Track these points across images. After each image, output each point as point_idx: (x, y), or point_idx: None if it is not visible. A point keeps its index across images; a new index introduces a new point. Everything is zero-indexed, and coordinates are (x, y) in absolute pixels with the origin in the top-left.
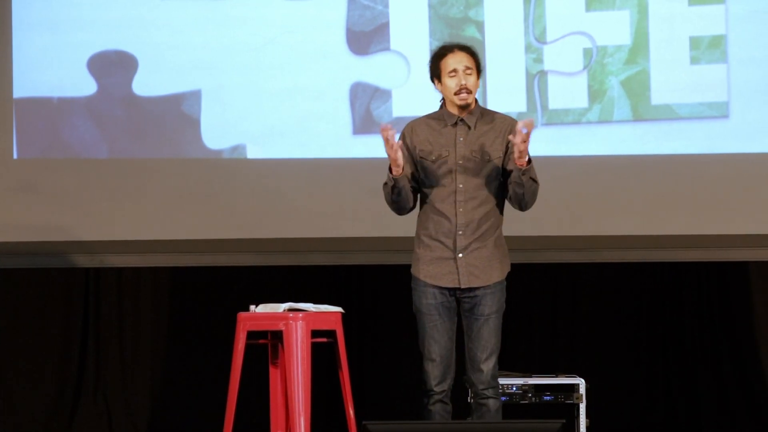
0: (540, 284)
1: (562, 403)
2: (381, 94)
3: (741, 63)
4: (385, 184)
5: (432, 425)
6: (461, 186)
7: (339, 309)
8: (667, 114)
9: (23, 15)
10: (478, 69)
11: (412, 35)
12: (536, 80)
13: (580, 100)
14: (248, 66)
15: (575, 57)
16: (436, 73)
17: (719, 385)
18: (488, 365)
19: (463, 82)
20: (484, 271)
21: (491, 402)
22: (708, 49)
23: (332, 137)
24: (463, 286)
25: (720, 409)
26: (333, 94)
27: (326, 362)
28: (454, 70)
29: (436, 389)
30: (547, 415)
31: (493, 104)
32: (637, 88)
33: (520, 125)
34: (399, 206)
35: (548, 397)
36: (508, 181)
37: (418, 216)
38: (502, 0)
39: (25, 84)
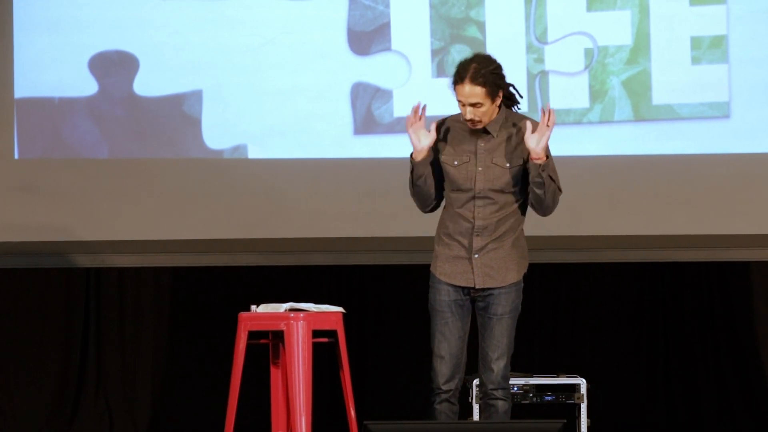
0: (540, 284)
1: (563, 403)
2: (382, 95)
3: (742, 63)
4: (411, 172)
5: (432, 425)
6: (480, 192)
7: (340, 309)
8: (668, 114)
9: (24, 15)
10: (493, 95)
11: (413, 35)
12: (537, 80)
13: (581, 101)
14: (249, 66)
15: (576, 57)
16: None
17: (720, 385)
18: (499, 365)
19: (469, 117)
20: (499, 272)
21: (500, 403)
22: (709, 49)
23: (333, 137)
24: (477, 287)
25: (720, 409)
26: (334, 94)
27: (327, 362)
28: (462, 102)
29: (443, 387)
30: (549, 415)
31: None
32: (638, 88)
33: (543, 121)
34: (422, 196)
35: (549, 397)
36: (530, 185)
37: (441, 215)
38: (503, 0)
39: (26, 84)
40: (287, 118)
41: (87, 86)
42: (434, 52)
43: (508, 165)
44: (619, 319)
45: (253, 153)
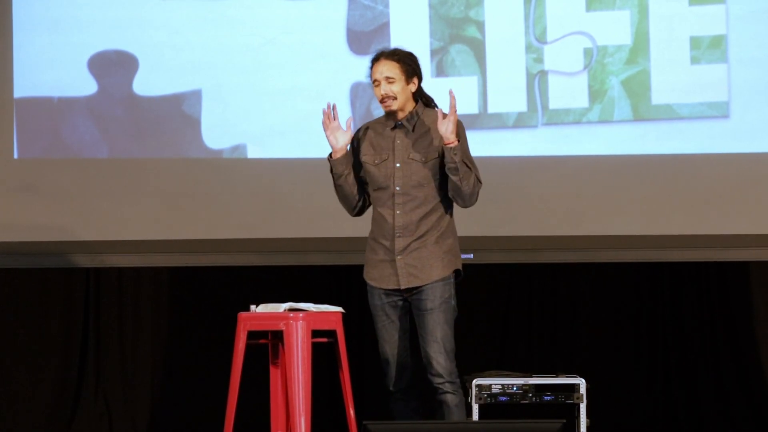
0: (540, 284)
1: (562, 403)
2: None
3: (741, 63)
4: (331, 172)
5: (432, 425)
6: (398, 189)
7: (339, 309)
8: (668, 114)
9: (24, 15)
10: (408, 74)
11: (413, 35)
12: (537, 80)
13: (581, 100)
14: (249, 66)
15: (576, 57)
16: (370, 82)
17: (719, 384)
18: (438, 360)
19: (383, 92)
20: (422, 271)
21: (449, 397)
22: (708, 49)
23: None
24: (402, 287)
25: (720, 409)
26: (333, 94)
27: (327, 362)
28: (377, 80)
29: (393, 388)
30: (548, 415)
31: (493, 104)
32: (638, 88)
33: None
34: (346, 198)
35: (549, 397)
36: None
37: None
38: (502, 0)
39: (26, 84)
40: (287, 118)
41: (86, 86)
42: (433, 52)
43: (424, 160)
44: (618, 319)
45: (253, 153)
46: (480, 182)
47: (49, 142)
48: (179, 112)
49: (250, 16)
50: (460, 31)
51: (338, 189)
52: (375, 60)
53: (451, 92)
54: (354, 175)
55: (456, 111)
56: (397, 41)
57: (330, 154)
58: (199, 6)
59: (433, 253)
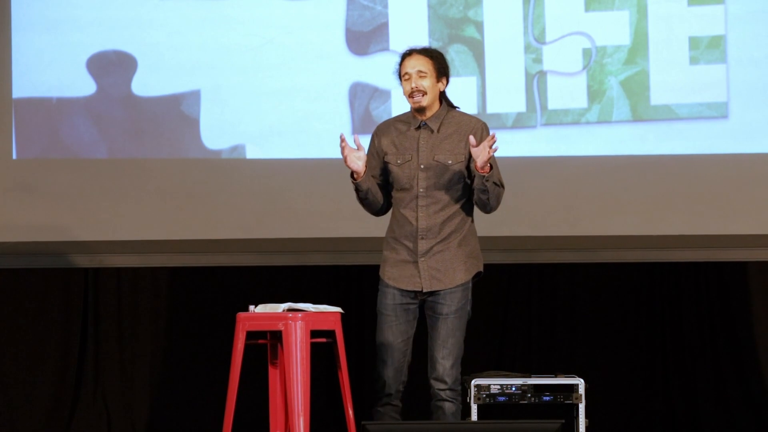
0: (540, 284)
1: (561, 403)
2: (380, 94)
3: (740, 63)
4: (356, 191)
5: (431, 425)
6: (422, 190)
7: (338, 309)
8: (667, 114)
9: (22, 15)
10: (439, 72)
11: (412, 35)
12: (535, 80)
13: (580, 101)
14: (248, 66)
15: (574, 57)
16: (398, 78)
17: (718, 385)
18: (444, 365)
19: (414, 85)
20: (446, 274)
21: (447, 405)
22: (707, 49)
23: (331, 137)
24: (425, 290)
25: (719, 409)
26: (332, 94)
27: (325, 362)
28: (407, 74)
29: (385, 391)
30: (547, 415)
31: (492, 104)
32: (637, 88)
33: (486, 142)
34: (370, 206)
35: (547, 398)
36: (473, 187)
37: (390, 218)
38: (501, 0)
39: (24, 84)
40: (285, 118)
41: (85, 86)
42: None
43: (450, 162)
44: (617, 320)
45: (252, 153)
46: (503, 187)
47: (47, 143)
48: (178, 112)
49: (249, 16)
50: (458, 31)
51: (363, 201)
52: (406, 55)
53: (494, 138)
54: (377, 179)
55: (494, 148)
56: (395, 41)
57: (352, 175)
58: (197, 6)
59: (457, 257)
